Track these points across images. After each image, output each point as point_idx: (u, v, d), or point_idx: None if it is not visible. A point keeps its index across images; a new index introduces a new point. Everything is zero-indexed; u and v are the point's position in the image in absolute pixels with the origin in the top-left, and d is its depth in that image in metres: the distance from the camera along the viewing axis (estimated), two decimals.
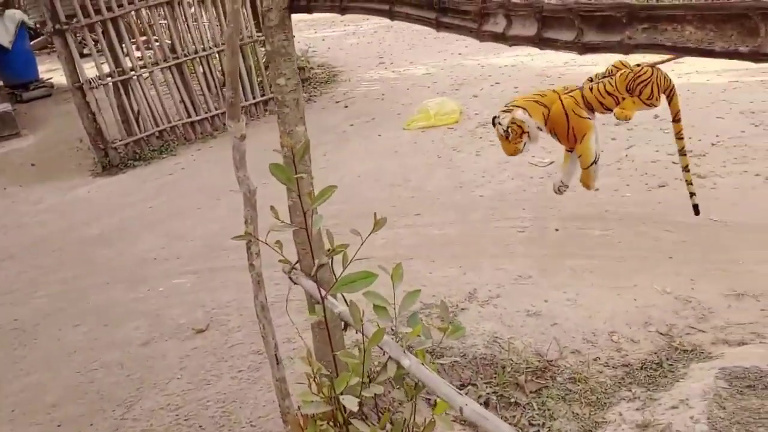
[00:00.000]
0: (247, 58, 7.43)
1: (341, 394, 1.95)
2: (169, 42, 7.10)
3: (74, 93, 6.48)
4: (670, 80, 3.48)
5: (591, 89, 3.45)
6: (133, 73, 6.78)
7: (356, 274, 2.04)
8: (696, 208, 3.57)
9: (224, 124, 7.38)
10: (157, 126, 6.95)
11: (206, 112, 7.28)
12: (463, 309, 3.39)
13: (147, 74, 6.90)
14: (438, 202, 4.77)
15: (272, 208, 2.00)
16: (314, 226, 2.02)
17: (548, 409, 2.75)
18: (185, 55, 7.07)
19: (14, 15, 11.49)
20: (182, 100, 7.16)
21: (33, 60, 11.91)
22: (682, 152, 3.56)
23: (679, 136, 3.55)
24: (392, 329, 1.98)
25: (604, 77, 3.50)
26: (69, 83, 6.48)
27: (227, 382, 3.15)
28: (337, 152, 5.99)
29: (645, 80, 3.39)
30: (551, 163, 5.12)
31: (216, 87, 7.39)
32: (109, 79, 6.67)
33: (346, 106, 7.50)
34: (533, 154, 5.33)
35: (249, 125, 7.46)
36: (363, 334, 1.95)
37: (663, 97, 3.45)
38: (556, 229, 4.17)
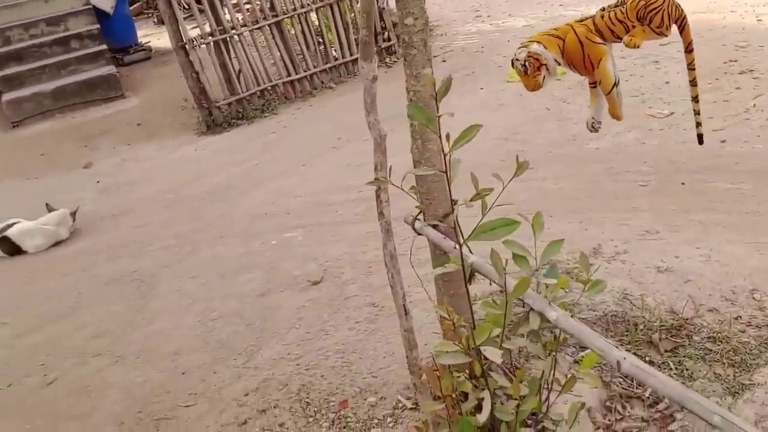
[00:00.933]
0: (345, 14, 7.36)
1: (481, 345, 1.87)
2: (268, 0, 7.10)
3: (178, 53, 6.60)
4: (682, 10, 3.40)
5: (602, 17, 3.44)
6: (234, 31, 6.83)
7: (497, 221, 1.94)
8: (700, 138, 3.55)
9: (322, 83, 7.37)
10: (259, 85, 7.01)
11: (305, 71, 7.27)
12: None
13: (247, 33, 6.94)
14: (551, 156, 4.58)
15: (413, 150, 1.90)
16: (453, 171, 1.92)
17: (686, 369, 2.58)
18: (284, 13, 7.07)
19: None
20: (282, 59, 7.17)
21: (132, 24, 12.26)
22: (693, 83, 3.52)
23: (690, 67, 3.50)
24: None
25: (616, 6, 3.46)
26: (173, 43, 6.60)
27: (345, 333, 3.14)
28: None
29: (656, 8, 3.35)
30: (670, 114, 4.81)
31: (314, 45, 7.36)
32: (211, 38, 6.75)
33: (444, 61, 7.33)
34: (650, 105, 5.04)
35: (346, 82, 7.42)
36: (504, 286, 1.86)
37: (674, 28, 3.41)
38: (682, 183, 3.92)
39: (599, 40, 3.47)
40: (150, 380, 3.08)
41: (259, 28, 7.03)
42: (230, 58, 6.92)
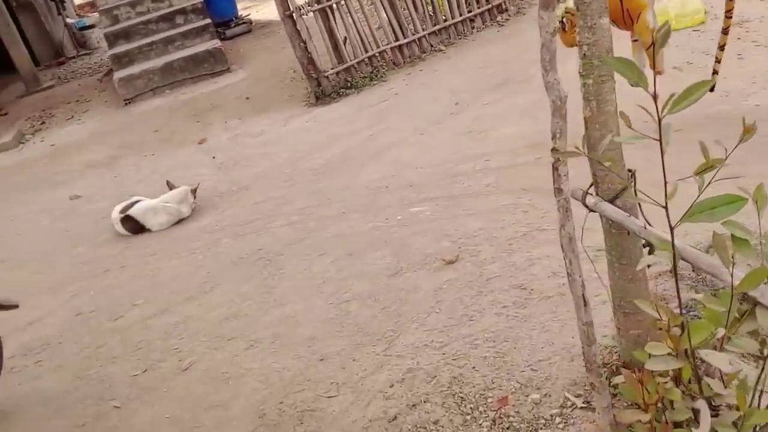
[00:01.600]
0: None
1: (699, 348, 1.57)
2: None
3: (285, 22, 6.43)
4: None
5: None
6: None
7: (719, 198, 1.60)
8: (711, 88, 3.34)
9: (431, 46, 7.04)
10: (366, 52, 6.76)
11: (413, 34, 6.96)
12: None
13: None
14: (702, 114, 4.09)
15: (622, 114, 1.57)
16: (665, 137, 1.58)
17: None
18: None
19: None
20: (389, 23, 6.89)
21: None
22: (725, 31, 3.49)
23: (728, 15, 3.45)
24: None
25: None
26: (280, 12, 6.44)
27: (492, 318, 2.88)
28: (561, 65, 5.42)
29: None
30: None
31: (422, 6, 7.02)
32: (317, 5, 6.54)
33: None
34: None
35: (456, 45, 7.06)
36: (731, 277, 1.53)
37: None
38: None
39: None
40: (288, 367, 2.93)
41: None
42: (336, 26, 6.70)
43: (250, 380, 2.92)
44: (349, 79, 6.68)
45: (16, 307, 3.15)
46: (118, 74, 8.59)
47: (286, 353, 3.05)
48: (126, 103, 8.44)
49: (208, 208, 4.85)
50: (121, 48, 8.94)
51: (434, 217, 3.87)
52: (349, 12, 6.65)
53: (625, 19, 3.33)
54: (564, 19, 3.38)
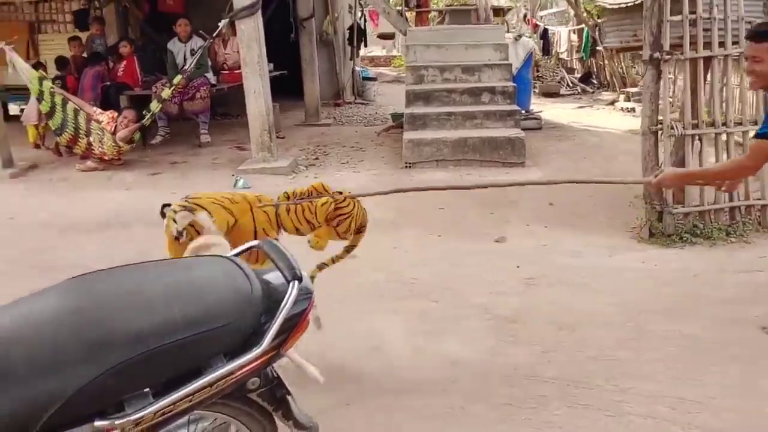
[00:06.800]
0: None
1: None
2: None
3: (646, 137, 5.28)
4: (366, 217, 3.36)
5: (288, 210, 3.21)
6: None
7: None
8: None
9: None
10: (731, 200, 5.38)
11: None
12: None
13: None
14: None
15: None
16: None
17: None
18: None
19: (528, 43, 11.26)
20: None
21: (530, 90, 11.59)
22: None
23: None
24: None
25: (302, 198, 3.25)
26: (643, 125, 5.31)
27: None
28: None
29: (346, 215, 3.24)
30: None
31: None
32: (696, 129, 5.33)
33: None
34: None
35: None
36: None
37: None
38: None
39: (275, 235, 3.16)
40: None
41: None
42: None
43: None
44: (699, 225, 5.32)
45: None
46: (408, 135, 7.98)
47: None
48: (406, 166, 7.77)
49: (522, 341, 3.69)
50: (418, 109, 8.37)
51: None
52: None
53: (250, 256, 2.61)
54: (185, 231, 2.94)
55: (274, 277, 1.90)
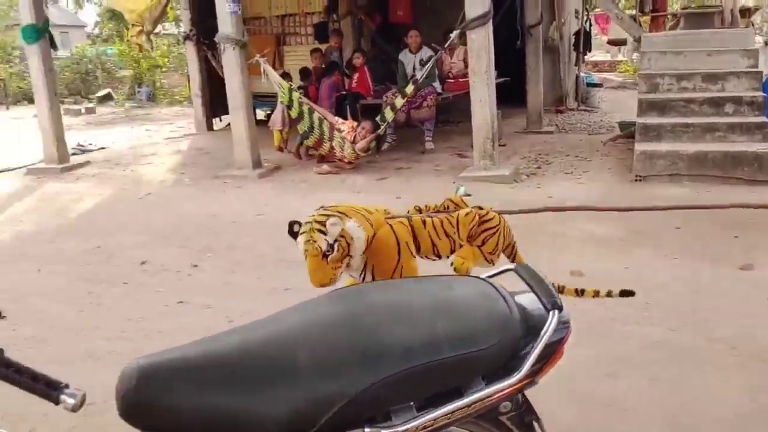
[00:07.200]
0: None
1: None
2: None
3: None
4: (512, 235, 3.09)
5: (424, 223, 2.81)
6: None
7: None
8: None
9: None
10: None
11: None
12: None
13: None
14: None
15: None
16: None
17: None
18: None
19: None
20: None
21: None
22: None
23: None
24: None
25: (438, 211, 2.93)
26: None
27: None
28: None
29: (491, 229, 2.88)
30: None
31: None
32: None
33: None
34: None
35: None
36: None
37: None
38: None
39: (413, 252, 2.76)
40: None
41: None
42: None
43: None
44: None
45: None
46: (640, 146, 7.56)
47: None
48: (636, 180, 7.37)
49: None
50: (651, 120, 7.89)
51: None
52: None
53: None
54: (336, 244, 2.47)
55: (528, 301, 1.90)
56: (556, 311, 1.78)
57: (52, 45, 9.61)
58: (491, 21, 7.59)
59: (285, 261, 5.31)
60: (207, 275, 5.22)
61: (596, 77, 17.08)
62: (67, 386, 1.42)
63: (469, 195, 6.66)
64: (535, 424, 2.01)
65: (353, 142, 8.20)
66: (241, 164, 8.71)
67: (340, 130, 8.29)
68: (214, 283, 5.04)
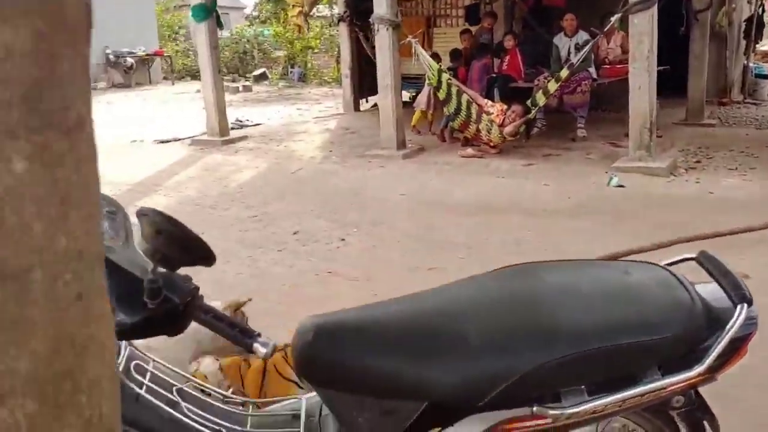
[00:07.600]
0: None
1: None
2: None
3: None
4: None
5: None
6: None
7: None
8: None
9: None
10: None
11: None
12: None
13: None
14: None
15: None
16: None
17: None
18: None
19: None
20: None
21: None
22: None
23: None
24: None
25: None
26: None
27: None
28: None
29: None
30: None
31: None
32: None
33: None
34: None
35: None
36: None
37: None
38: None
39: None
40: None
41: None
42: None
43: None
44: None
45: None
46: None
47: None
48: None
49: None
50: None
51: None
52: None
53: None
54: None
55: (710, 291, 1.79)
56: (745, 305, 1.67)
57: (219, 24, 10.23)
58: (656, 5, 7.18)
59: (427, 240, 5.36)
60: (353, 249, 5.37)
61: (767, 68, 15.70)
62: (259, 335, 1.52)
63: (622, 186, 6.41)
64: (707, 424, 1.91)
65: (501, 126, 8.09)
66: (387, 144, 8.86)
67: (488, 113, 8.21)
68: (360, 257, 5.18)
